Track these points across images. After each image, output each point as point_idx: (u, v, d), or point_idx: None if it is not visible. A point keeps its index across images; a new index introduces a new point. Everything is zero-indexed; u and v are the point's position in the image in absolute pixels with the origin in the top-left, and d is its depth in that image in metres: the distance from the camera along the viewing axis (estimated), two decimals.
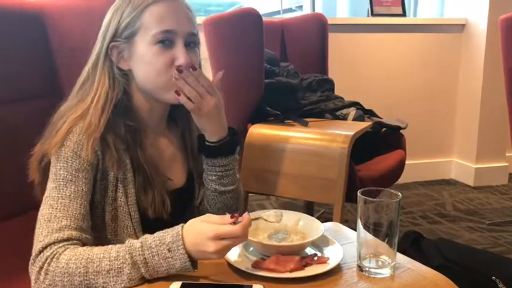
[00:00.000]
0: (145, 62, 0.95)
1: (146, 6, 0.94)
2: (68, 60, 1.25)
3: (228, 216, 0.81)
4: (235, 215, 0.81)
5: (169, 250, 0.80)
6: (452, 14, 3.46)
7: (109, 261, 0.80)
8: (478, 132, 3.29)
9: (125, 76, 0.98)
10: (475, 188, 3.30)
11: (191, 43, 0.98)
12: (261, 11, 2.06)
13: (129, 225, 0.95)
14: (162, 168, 1.02)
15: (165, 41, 0.94)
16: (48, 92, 1.25)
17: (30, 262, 0.84)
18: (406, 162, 2.34)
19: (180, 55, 0.94)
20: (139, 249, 0.80)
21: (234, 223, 0.80)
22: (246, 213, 0.83)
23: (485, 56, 3.18)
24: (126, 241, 0.83)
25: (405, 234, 1.75)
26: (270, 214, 0.93)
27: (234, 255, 0.88)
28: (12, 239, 1.13)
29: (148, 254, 0.80)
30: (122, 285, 0.79)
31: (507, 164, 3.30)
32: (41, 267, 0.81)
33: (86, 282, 0.79)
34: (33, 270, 0.83)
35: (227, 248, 0.80)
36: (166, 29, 0.94)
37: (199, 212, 1.11)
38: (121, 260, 0.80)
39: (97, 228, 0.94)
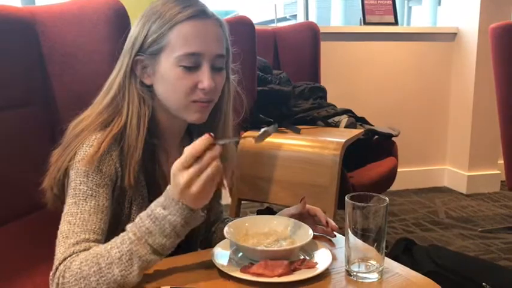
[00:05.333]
0: (168, 83, 0.92)
1: (175, 24, 0.90)
2: (59, 67, 1.25)
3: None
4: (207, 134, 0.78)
5: (164, 208, 0.78)
6: (445, 23, 3.50)
7: (117, 248, 0.78)
8: (470, 140, 3.31)
9: (149, 91, 0.95)
10: (468, 195, 3.32)
11: (218, 63, 0.94)
12: (256, 19, 2.08)
13: None
14: None
15: (190, 63, 0.90)
16: (39, 99, 1.25)
17: (49, 282, 0.81)
18: (399, 169, 2.35)
19: (204, 79, 0.91)
20: (139, 221, 0.79)
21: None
22: (206, 134, 0.78)
23: (476, 64, 3.21)
24: (127, 226, 0.81)
25: (397, 241, 1.75)
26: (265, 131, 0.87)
27: (223, 260, 0.88)
28: (7, 244, 1.13)
29: (149, 222, 0.78)
30: (137, 266, 0.77)
31: (499, 171, 3.32)
32: (57, 284, 0.79)
33: (103, 278, 0.77)
34: None
35: (198, 174, 0.76)
36: (191, 51, 0.90)
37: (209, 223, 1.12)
38: (127, 242, 0.78)
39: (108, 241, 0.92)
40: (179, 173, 0.77)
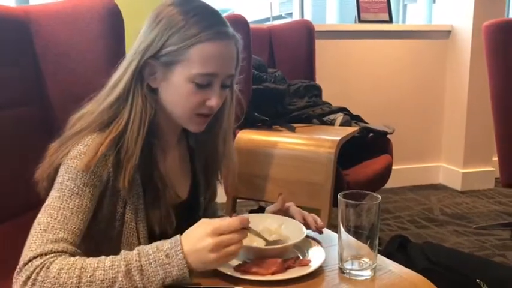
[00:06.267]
0: (177, 94, 0.93)
1: (197, 42, 0.89)
2: (53, 66, 1.25)
3: (227, 217, 0.82)
4: (235, 214, 0.82)
5: (167, 256, 0.78)
6: (439, 21, 3.51)
7: (103, 270, 0.77)
8: (465, 137, 3.33)
9: (153, 94, 0.95)
10: (463, 192, 3.33)
11: (227, 82, 0.96)
12: (252, 17, 2.08)
13: (135, 242, 0.93)
14: (170, 182, 1.00)
15: (204, 82, 0.91)
16: (33, 98, 1.25)
17: (16, 271, 0.78)
18: (394, 167, 2.36)
19: (214, 97, 0.92)
20: (136, 256, 0.78)
21: None
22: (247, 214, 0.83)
23: (470, 61, 3.22)
24: (122, 251, 0.81)
25: (391, 238, 1.76)
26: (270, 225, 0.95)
27: None
28: (3, 243, 1.13)
29: (145, 260, 0.78)
30: None
31: (493, 168, 3.33)
32: (28, 277, 0.76)
33: None
34: (17, 280, 0.77)
35: (225, 244, 0.79)
36: (209, 72, 0.90)
37: None
38: (116, 269, 0.77)
39: (96, 244, 0.91)
40: (208, 237, 0.79)
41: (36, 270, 0.76)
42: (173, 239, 0.80)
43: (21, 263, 0.79)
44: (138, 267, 0.77)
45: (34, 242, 0.80)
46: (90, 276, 0.76)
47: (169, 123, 0.99)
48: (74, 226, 0.84)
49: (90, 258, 0.80)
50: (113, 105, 0.92)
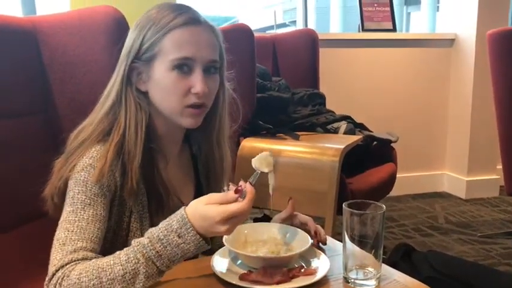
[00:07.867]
0: (162, 87, 0.94)
1: (168, 30, 0.92)
2: (60, 76, 1.26)
3: (231, 192, 0.82)
4: (239, 189, 0.82)
5: (179, 236, 0.79)
6: (443, 29, 3.52)
7: (121, 265, 0.78)
8: (469, 145, 3.32)
9: (145, 98, 0.97)
10: (467, 200, 3.32)
11: (211, 68, 0.96)
12: (256, 25, 2.09)
13: None
14: (174, 190, 1.01)
15: (183, 67, 0.92)
16: (41, 107, 1.27)
17: (44, 287, 0.82)
18: (399, 175, 2.36)
19: (197, 83, 0.93)
20: (149, 244, 0.79)
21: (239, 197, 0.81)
22: (248, 183, 0.83)
23: (474, 69, 3.22)
24: (133, 241, 0.81)
25: (396, 246, 1.76)
26: (261, 162, 0.96)
27: (222, 267, 0.89)
28: (11, 249, 1.14)
29: (160, 246, 0.79)
30: (141, 284, 0.78)
31: (498, 176, 3.32)
32: None
33: None
34: None
35: (237, 225, 0.81)
36: (184, 56, 0.92)
37: None
38: (133, 261, 0.78)
39: (105, 252, 0.91)
40: (220, 225, 0.79)
41: (59, 281, 0.79)
42: (179, 216, 0.81)
43: (46, 279, 0.81)
44: (155, 254, 0.79)
45: (55, 258, 0.82)
46: (110, 274, 0.78)
47: (167, 127, 1.00)
48: (91, 235, 0.85)
49: (105, 257, 0.81)
50: (108, 112, 0.95)
